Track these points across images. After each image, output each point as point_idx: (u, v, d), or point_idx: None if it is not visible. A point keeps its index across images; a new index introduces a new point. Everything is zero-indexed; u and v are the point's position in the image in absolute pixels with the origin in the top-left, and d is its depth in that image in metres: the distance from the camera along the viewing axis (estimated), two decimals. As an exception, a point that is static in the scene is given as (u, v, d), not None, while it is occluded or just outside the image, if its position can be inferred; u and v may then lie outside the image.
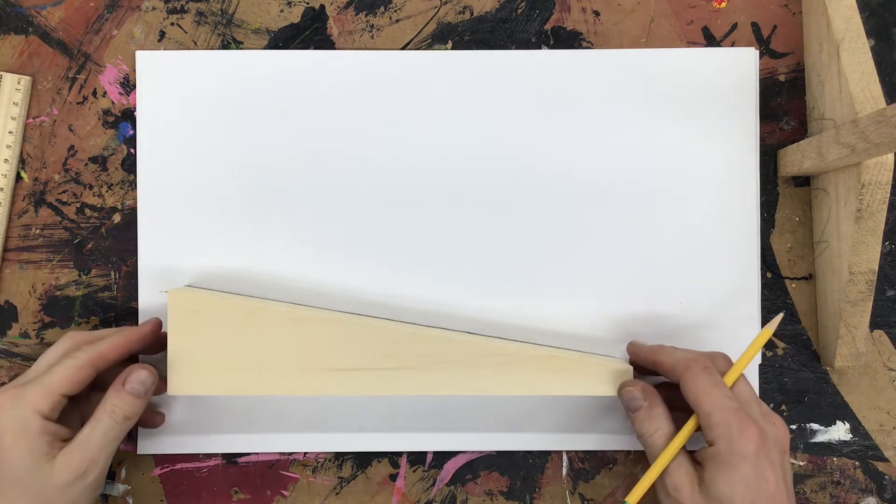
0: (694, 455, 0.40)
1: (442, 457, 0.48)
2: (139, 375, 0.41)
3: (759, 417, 0.39)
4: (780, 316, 0.42)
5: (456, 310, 0.47)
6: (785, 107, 0.48)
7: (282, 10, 0.48)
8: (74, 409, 0.42)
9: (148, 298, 0.47)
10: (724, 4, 0.48)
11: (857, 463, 0.47)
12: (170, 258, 0.47)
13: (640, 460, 0.47)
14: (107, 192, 0.48)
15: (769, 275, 0.48)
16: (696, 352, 0.42)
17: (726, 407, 0.38)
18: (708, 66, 0.48)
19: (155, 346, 0.44)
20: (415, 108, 0.48)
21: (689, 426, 0.40)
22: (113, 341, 0.41)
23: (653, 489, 0.41)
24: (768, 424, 0.39)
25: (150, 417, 0.46)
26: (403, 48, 0.48)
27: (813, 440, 0.47)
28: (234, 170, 0.47)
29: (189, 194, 0.47)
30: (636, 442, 0.47)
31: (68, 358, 0.40)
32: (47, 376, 0.39)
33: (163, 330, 0.45)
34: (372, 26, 0.48)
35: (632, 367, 0.44)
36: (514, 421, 0.47)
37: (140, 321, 0.47)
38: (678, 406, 0.42)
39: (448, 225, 0.47)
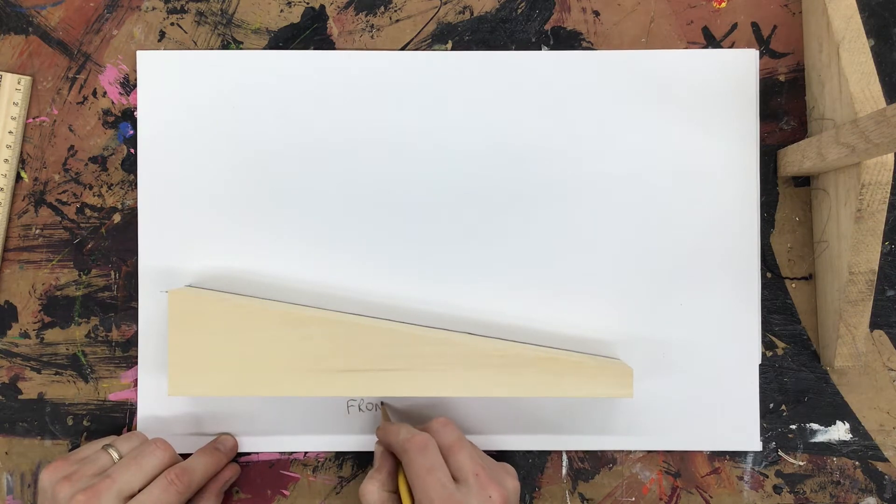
0: None
1: (442, 457, 0.48)
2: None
3: (473, 497, 0.38)
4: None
5: (456, 311, 0.47)
6: (785, 107, 0.48)
7: (282, 10, 0.48)
8: None
9: (148, 298, 0.47)
10: (724, 4, 0.48)
11: (857, 463, 0.47)
12: (170, 258, 0.47)
13: (640, 460, 0.48)
14: (107, 192, 0.48)
15: (769, 275, 0.48)
16: (415, 430, 0.41)
17: (438, 497, 0.38)
18: (708, 67, 0.48)
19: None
20: (415, 108, 0.48)
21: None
22: (206, 470, 0.44)
23: None
24: (491, 493, 0.39)
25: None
26: (403, 48, 0.48)
27: (813, 440, 0.47)
28: (234, 170, 0.47)
29: (189, 194, 0.47)
30: (636, 442, 0.47)
31: (172, 486, 0.41)
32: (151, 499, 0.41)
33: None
34: (372, 26, 0.48)
35: (632, 369, 0.44)
36: (514, 421, 0.47)
37: (140, 321, 0.47)
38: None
39: (448, 226, 0.47)
